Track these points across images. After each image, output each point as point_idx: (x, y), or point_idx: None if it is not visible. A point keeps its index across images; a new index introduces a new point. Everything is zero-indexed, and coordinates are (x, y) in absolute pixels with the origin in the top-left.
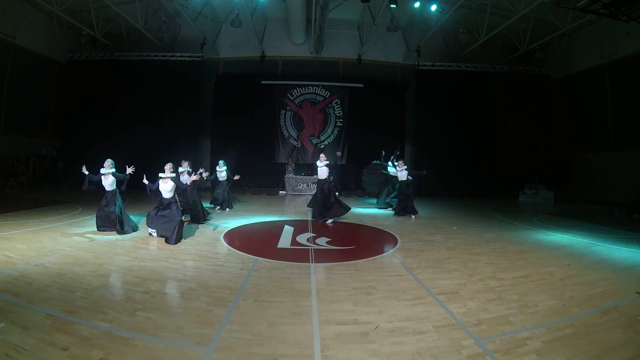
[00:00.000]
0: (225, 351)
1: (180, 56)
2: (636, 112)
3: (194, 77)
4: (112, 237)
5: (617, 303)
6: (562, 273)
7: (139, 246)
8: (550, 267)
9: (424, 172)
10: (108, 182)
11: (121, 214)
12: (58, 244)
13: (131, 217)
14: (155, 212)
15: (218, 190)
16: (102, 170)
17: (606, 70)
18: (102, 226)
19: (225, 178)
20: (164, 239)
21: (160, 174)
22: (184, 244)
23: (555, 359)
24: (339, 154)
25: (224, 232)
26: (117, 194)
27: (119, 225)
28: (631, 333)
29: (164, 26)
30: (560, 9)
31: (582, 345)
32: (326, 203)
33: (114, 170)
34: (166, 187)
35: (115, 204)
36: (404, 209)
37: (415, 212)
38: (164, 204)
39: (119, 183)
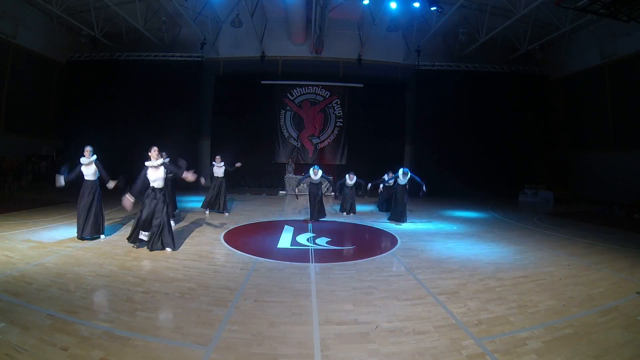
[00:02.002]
0: (225, 351)
1: (180, 56)
2: (636, 112)
3: (194, 77)
4: (112, 237)
5: (617, 303)
6: (562, 273)
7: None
8: (550, 267)
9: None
10: (90, 171)
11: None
12: (58, 244)
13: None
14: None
15: (212, 190)
16: (83, 160)
17: (606, 70)
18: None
19: (222, 175)
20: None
21: (148, 163)
22: (185, 243)
23: (555, 359)
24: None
25: (224, 232)
26: (98, 187)
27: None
28: (631, 333)
29: (164, 26)
30: (560, 9)
31: (582, 345)
32: (321, 207)
33: (95, 157)
34: (157, 175)
35: (93, 196)
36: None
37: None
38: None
39: (100, 178)
